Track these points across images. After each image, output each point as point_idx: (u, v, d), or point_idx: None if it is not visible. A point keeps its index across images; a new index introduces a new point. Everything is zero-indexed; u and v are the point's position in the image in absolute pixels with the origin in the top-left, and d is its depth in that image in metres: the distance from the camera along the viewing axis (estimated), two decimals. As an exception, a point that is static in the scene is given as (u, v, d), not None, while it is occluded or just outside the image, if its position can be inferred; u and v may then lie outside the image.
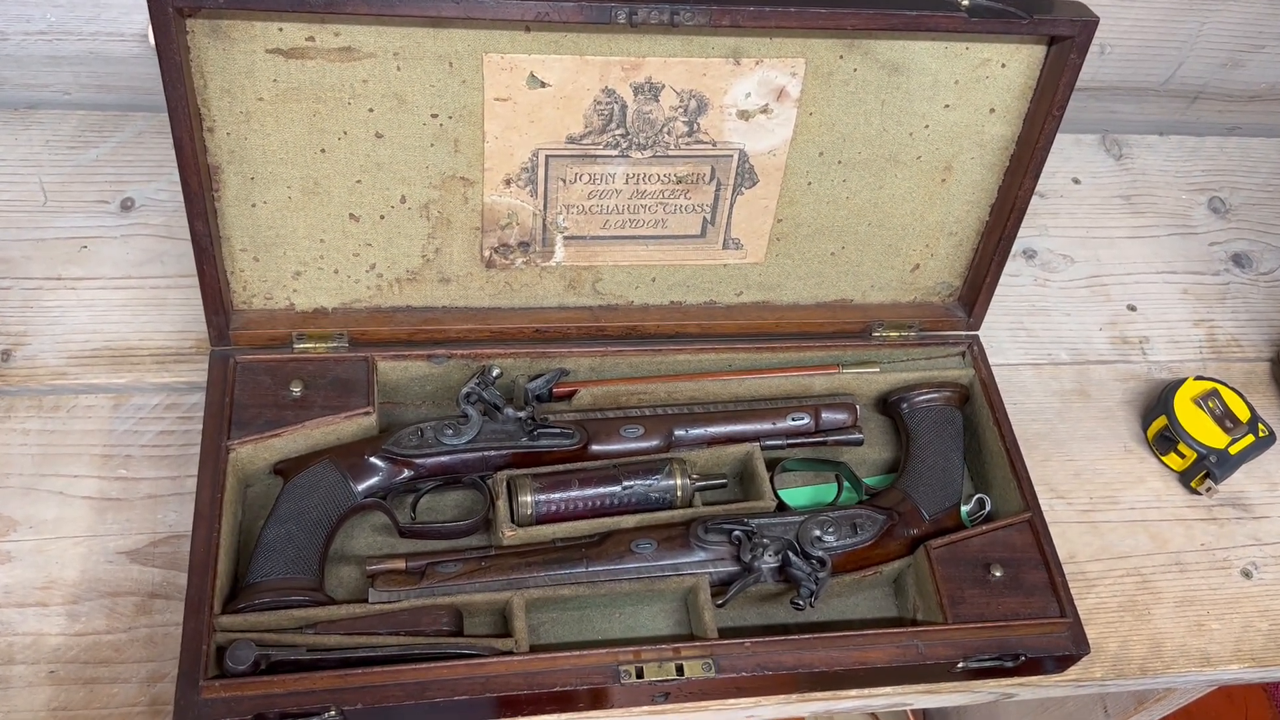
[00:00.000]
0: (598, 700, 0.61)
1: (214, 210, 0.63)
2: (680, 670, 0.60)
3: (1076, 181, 0.95)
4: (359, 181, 0.64)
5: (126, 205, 0.79)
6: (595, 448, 0.68)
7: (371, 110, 0.61)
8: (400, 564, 0.63)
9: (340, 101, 0.60)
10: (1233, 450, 0.76)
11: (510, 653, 0.59)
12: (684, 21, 0.58)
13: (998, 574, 0.65)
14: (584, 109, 0.63)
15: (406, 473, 0.65)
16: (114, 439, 0.68)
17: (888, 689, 0.66)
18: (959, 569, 0.65)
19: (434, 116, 0.62)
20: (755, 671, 0.60)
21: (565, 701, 0.60)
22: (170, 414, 0.70)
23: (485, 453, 0.66)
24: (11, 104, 0.81)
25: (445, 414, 0.68)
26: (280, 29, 0.57)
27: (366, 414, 0.66)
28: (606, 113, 0.63)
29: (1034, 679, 0.67)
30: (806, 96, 0.64)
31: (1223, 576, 0.74)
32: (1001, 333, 0.83)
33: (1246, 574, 0.74)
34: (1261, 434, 0.77)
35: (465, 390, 0.67)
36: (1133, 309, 0.87)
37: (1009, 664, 0.64)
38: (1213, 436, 0.76)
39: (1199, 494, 0.77)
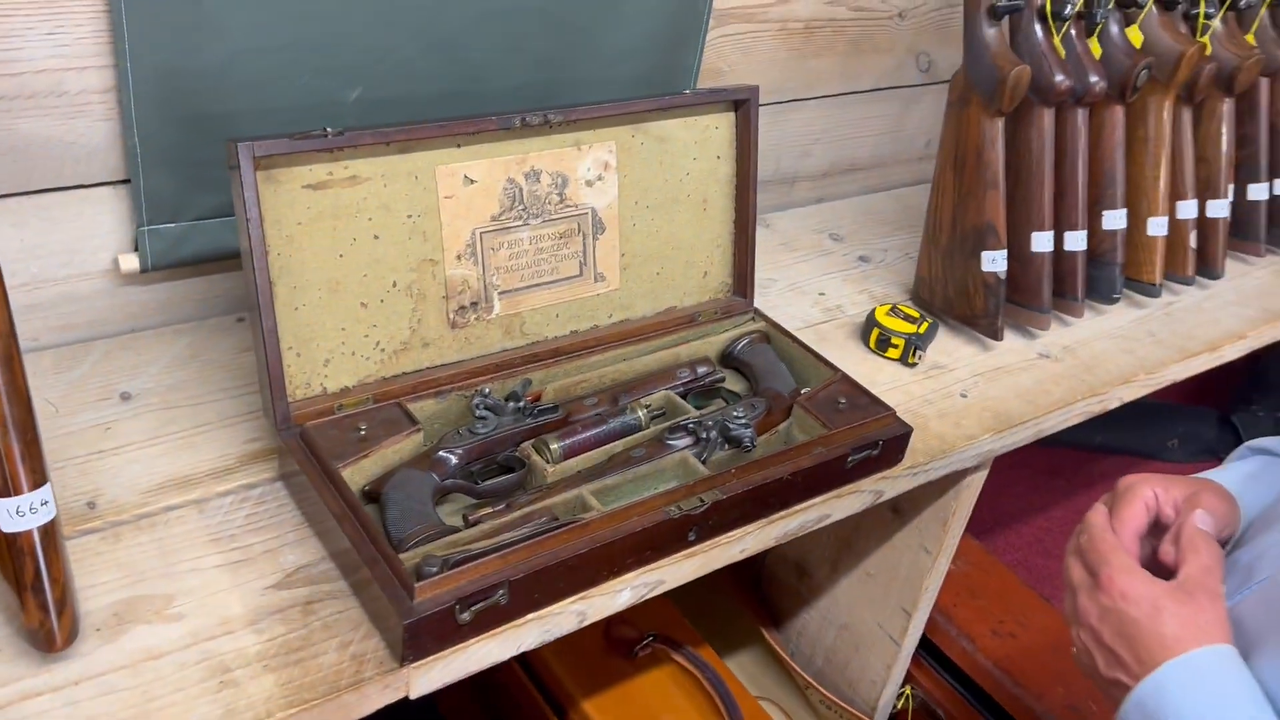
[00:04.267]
0: (656, 544, 0.86)
1: (273, 318, 0.86)
2: (703, 500, 0.87)
3: (752, 243, 1.41)
4: (365, 275, 0.90)
5: (125, 396, 0.96)
6: (573, 417, 0.95)
7: (370, 219, 0.89)
8: (489, 509, 0.85)
9: (350, 216, 0.88)
10: (921, 330, 1.20)
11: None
12: (553, 120, 0.95)
13: (843, 402, 1.01)
14: (498, 195, 0.96)
15: (461, 459, 0.88)
16: (213, 529, 0.84)
17: (815, 500, 0.97)
18: (823, 406, 1.00)
19: (409, 216, 0.91)
20: (744, 488, 0.89)
21: (639, 547, 0.84)
22: (247, 504, 0.87)
23: (508, 433, 0.91)
24: (-15, 358, 0.95)
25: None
26: (310, 169, 0.85)
27: (418, 431, 0.89)
28: (511, 195, 0.96)
29: (891, 471, 1.02)
30: (620, 165, 1.02)
31: (953, 400, 1.15)
32: (759, 326, 1.23)
33: (964, 395, 1.16)
34: (929, 322, 1.22)
35: (475, 402, 0.92)
36: (823, 294, 1.31)
37: (875, 453, 0.99)
38: (906, 328, 1.20)
39: (915, 365, 1.20)
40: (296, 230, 0.86)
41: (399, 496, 0.83)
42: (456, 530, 0.81)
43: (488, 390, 0.94)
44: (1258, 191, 1.53)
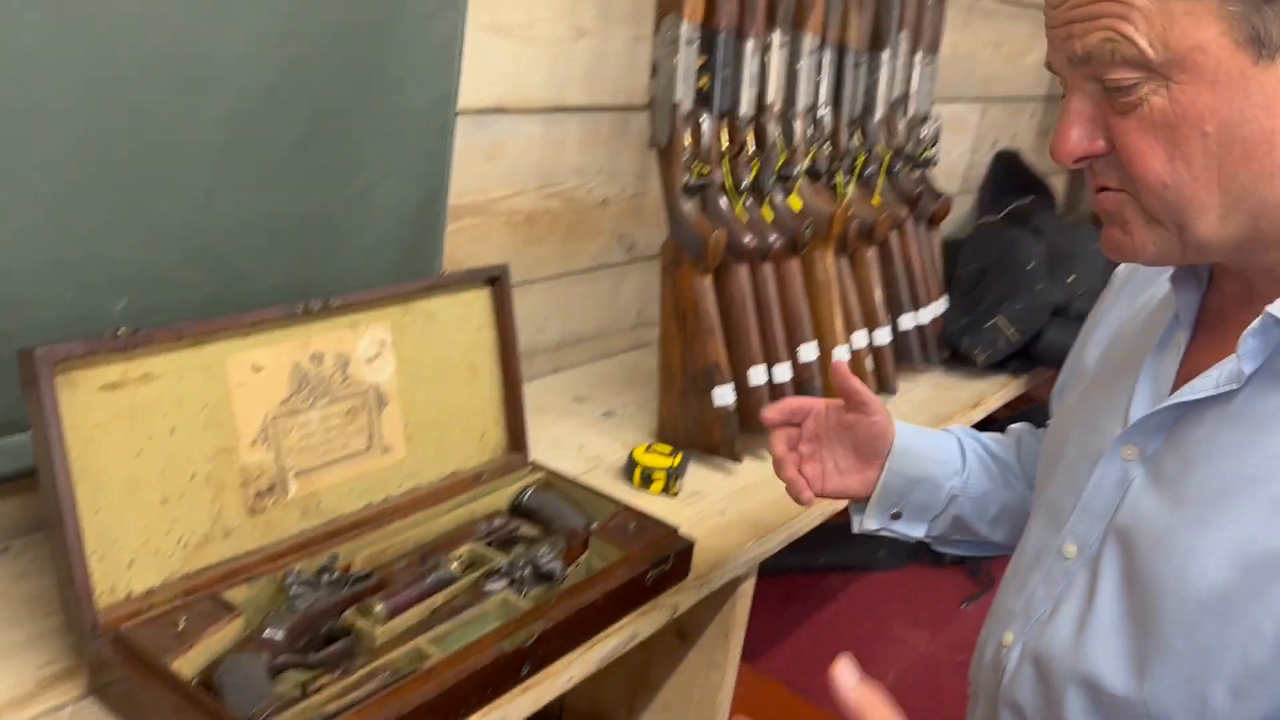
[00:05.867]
0: (494, 681, 0.90)
1: (76, 524, 0.83)
2: (531, 633, 0.93)
3: (505, 414, 1.50)
4: (164, 471, 0.90)
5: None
6: (389, 580, 0.98)
7: (166, 415, 0.90)
8: (327, 677, 0.85)
9: (146, 413, 0.89)
10: (676, 463, 1.34)
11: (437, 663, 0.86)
12: (332, 304, 1.01)
13: (631, 527, 1.11)
14: (286, 379, 1.00)
15: (287, 636, 0.88)
16: (24, 758, 0.78)
17: (624, 621, 1.04)
18: (615, 533, 1.09)
19: (203, 408, 0.93)
20: (565, 615, 0.96)
21: (481, 686, 0.88)
22: (56, 726, 0.81)
23: (329, 604, 0.92)
24: None
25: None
26: (105, 370, 0.86)
27: (238, 616, 0.88)
28: (298, 378, 1.01)
29: (683, 584, 1.12)
30: (395, 342, 1.10)
31: (716, 519, 1.28)
32: (531, 483, 1.31)
33: (724, 513, 1.30)
34: (681, 456, 1.36)
35: (288, 582, 0.93)
36: (582, 447, 1.42)
37: (667, 568, 1.09)
38: (664, 462, 1.33)
39: (676, 495, 1.32)
40: (94, 433, 0.86)
41: (234, 679, 0.82)
42: (302, 699, 0.81)
43: (297, 569, 0.95)
44: (907, 321, 1.85)
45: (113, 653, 0.83)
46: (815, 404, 1.06)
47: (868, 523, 1.08)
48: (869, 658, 2.02)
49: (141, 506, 0.89)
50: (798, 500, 1.03)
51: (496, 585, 0.99)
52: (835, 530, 2.41)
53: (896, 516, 1.08)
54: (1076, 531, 0.85)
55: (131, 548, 0.89)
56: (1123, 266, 1.01)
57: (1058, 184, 3.06)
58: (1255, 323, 0.73)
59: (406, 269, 1.30)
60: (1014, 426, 1.18)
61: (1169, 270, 0.85)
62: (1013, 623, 0.91)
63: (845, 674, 0.70)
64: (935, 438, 1.10)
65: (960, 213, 2.79)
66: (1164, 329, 0.85)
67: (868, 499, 1.06)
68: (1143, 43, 0.68)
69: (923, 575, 2.34)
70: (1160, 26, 0.68)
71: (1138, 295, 0.95)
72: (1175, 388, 0.81)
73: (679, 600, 1.13)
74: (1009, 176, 2.78)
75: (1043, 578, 0.88)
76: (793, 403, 1.07)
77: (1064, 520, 0.87)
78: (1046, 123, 3.06)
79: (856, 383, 1.01)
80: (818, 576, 2.29)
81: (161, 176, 1.03)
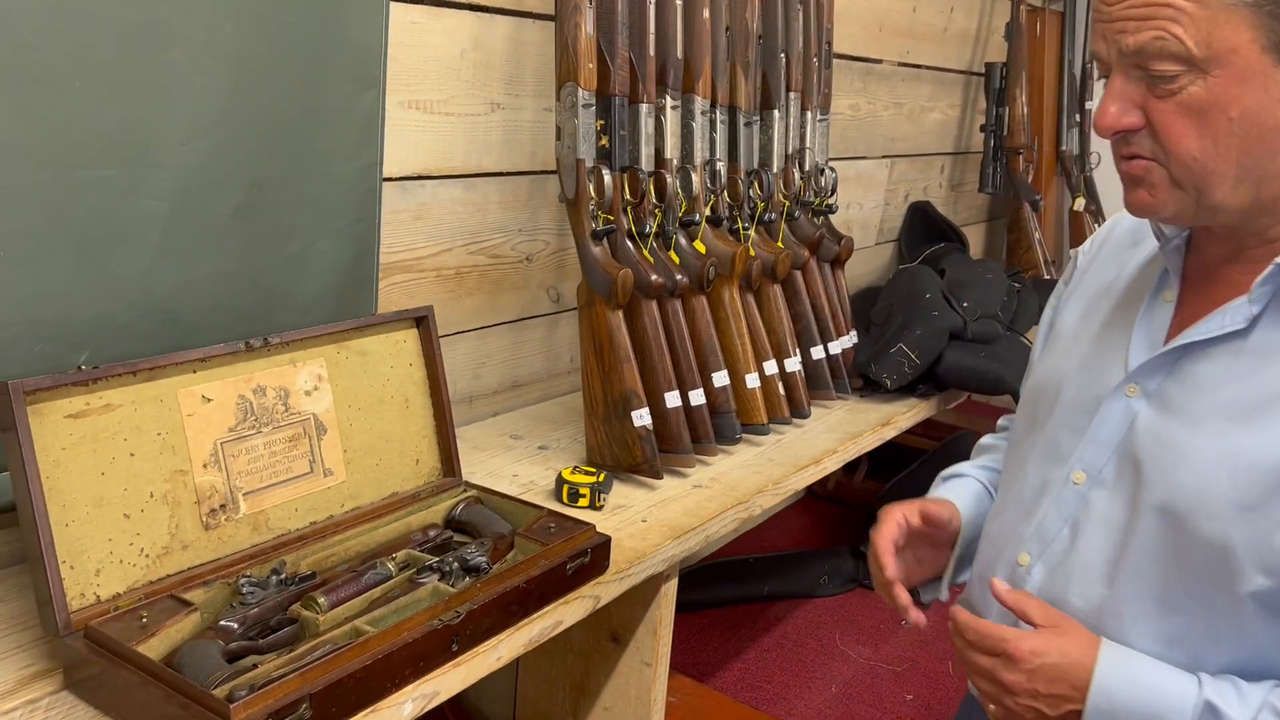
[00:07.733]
0: (426, 655, 1.01)
1: (49, 535, 0.95)
2: (459, 612, 1.05)
3: (445, 453, 1.63)
4: (126, 490, 1.02)
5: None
6: (331, 579, 1.10)
7: (125, 440, 1.03)
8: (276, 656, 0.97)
9: (108, 438, 1.01)
10: (600, 480, 1.47)
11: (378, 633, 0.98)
12: (273, 342, 1.15)
13: (553, 527, 1.24)
14: (232, 409, 1.13)
15: (240, 626, 1.00)
16: (8, 737, 0.89)
17: (549, 608, 1.17)
18: (538, 532, 1.22)
19: (159, 434, 1.06)
20: (490, 598, 1.08)
21: (414, 658, 1.00)
22: (36, 713, 0.92)
23: (277, 600, 1.04)
24: None
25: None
26: (70, 401, 0.99)
27: (195, 611, 1.00)
28: (244, 409, 1.14)
29: (603, 578, 1.24)
30: (331, 376, 1.23)
31: (637, 525, 1.41)
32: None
33: (644, 520, 1.43)
34: (605, 474, 1.50)
35: (240, 582, 1.05)
36: (516, 475, 1.55)
37: (586, 560, 1.21)
38: (589, 479, 1.46)
39: (601, 508, 1.45)
40: (61, 455, 0.98)
41: (193, 659, 0.94)
42: (252, 670, 0.93)
43: (249, 573, 1.07)
44: (817, 352, 2.01)
45: (83, 646, 0.94)
46: (901, 526, 1.14)
47: (943, 590, 1.21)
48: (813, 673, 2.13)
49: (106, 521, 1.01)
50: (916, 624, 1.11)
51: (428, 578, 1.11)
52: (779, 561, 2.54)
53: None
54: (1084, 460, 0.99)
55: (99, 558, 1.00)
56: (1083, 251, 1.18)
57: (972, 233, 3.27)
58: (1266, 271, 0.89)
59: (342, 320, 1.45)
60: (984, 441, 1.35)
61: (1136, 248, 1.05)
62: (1026, 545, 1.03)
63: (998, 582, 0.99)
64: (970, 495, 1.21)
65: (881, 262, 2.99)
66: (1150, 291, 1.01)
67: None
68: (1190, 43, 0.83)
69: (865, 599, 2.46)
70: (1205, 30, 0.82)
71: (1104, 273, 1.11)
72: (1169, 335, 0.97)
73: (600, 592, 1.25)
74: (922, 226, 2.98)
75: (1053, 503, 1.01)
76: (892, 537, 1.13)
77: (1068, 454, 1.01)
78: (956, 176, 3.29)
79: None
80: (764, 605, 2.40)
81: (116, 242, 1.17)
